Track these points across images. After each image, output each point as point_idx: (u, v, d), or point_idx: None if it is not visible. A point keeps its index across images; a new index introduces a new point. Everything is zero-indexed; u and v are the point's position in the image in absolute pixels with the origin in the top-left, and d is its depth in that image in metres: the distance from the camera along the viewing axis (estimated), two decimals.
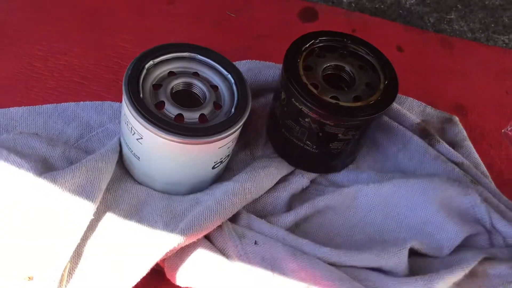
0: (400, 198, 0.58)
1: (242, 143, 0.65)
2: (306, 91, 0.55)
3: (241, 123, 0.53)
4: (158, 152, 0.53)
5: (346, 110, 0.55)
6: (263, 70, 0.67)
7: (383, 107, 0.56)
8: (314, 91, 0.56)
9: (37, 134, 0.59)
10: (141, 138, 0.52)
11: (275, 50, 0.75)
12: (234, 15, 0.82)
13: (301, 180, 0.61)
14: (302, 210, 0.56)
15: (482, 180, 0.64)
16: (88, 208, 0.51)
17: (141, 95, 0.52)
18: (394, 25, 0.88)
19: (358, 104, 0.56)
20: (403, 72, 0.62)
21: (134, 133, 0.52)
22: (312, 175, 0.63)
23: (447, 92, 0.78)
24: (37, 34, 0.71)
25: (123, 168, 0.59)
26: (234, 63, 0.70)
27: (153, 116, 0.50)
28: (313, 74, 0.58)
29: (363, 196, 0.59)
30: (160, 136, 0.50)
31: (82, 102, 0.65)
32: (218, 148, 0.53)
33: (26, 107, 0.62)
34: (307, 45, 0.60)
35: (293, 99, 0.56)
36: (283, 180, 0.61)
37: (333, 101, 0.55)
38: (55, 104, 0.64)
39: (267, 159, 0.61)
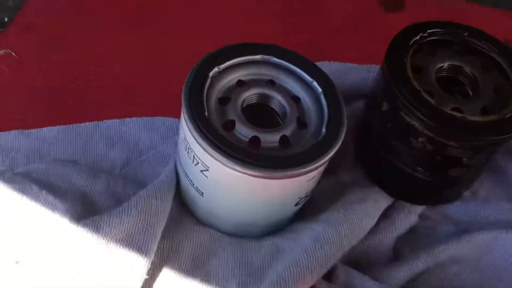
0: None
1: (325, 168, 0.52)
2: (420, 101, 0.41)
3: (336, 148, 0.40)
4: (229, 188, 0.40)
5: (477, 126, 0.41)
6: (349, 73, 0.53)
7: None
8: (431, 100, 0.42)
9: (75, 161, 0.48)
10: (207, 170, 0.39)
11: (353, 48, 0.62)
12: (301, 5, 0.69)
13: (408, 216, 0.47)
14: (419, 263, 0.42)
15: None
16: (140, 264, 0.39)
17: (207, 113, 0.39)
18: (498, 13, 0.72)
19: (491, 118, 0.42)
20: None
21: (198, 163, 0.40)
22: (419, 208, 0.49)
23: None
24: (75, 38, 0.60)
25: (180, 203, 0.47)
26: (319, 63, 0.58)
27: (223, 141, 0.37)
28: (424, 78, 0.44)
29: (500, 247, 0.44)
30: (233, 169, 0.37)
31: (128, 119, 0.53)
32: (306, 181, 0.40)
33: (61, 126, 0.51)
34: (415, 39, 0.46)
35: (401, 112, 0.42)
36: (383, 217, 0.47)
37: (458, 114, 0.41)
38: (96, 122, 0.52)
39: (362, 189, 0.47)
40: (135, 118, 0.53)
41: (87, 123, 0.52)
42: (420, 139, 0.42)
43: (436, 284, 0.44)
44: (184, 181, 0.44)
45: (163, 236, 0.42)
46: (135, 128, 0.52)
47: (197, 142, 0.38)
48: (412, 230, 0.48)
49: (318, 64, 0.57)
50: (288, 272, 0.38)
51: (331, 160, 0.52)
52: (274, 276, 0.38)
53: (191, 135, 0.38)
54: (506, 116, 0.42)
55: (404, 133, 0.43)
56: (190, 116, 0.38)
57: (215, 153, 0.37)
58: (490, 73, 0.46)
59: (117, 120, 0.52)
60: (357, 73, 0.53)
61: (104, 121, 0.52)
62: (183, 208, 0.47)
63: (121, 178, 0.47)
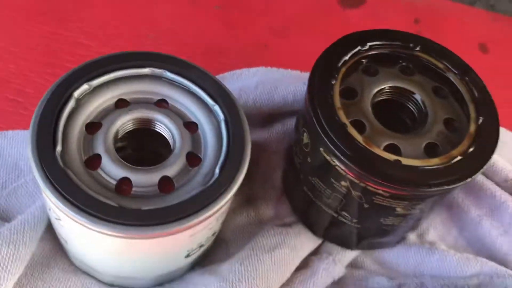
0: None
1: (244, 198, 0.43)
2: (344, 138, 0.32)
3: (228, 197, 0.31)
4: (89, 243, 0.32)
5: (414, 173, 0.32)
6: (281, 85, 0.44)
7: (476, 168, 0.32)
8: (358, 137, 0.33)
9: None
10: (59, 219, 0.31)
11: (303, 50, 0.52)
12: None
13: (332, 267, 0.39)
14: None
15: None
16: None
17: (59, 148, 0.30)
18: (476, 13, 0.62)
19: (435, 161, 0.33)
20: (489, 83, 0.38)
21: (50, 208, 0.31)
22: (350, 254, 0.41)
23: None
24: None
25: (56, 243, 0.38)
26: (240, 71, 0.49)
27: (72, 189, 0.29)
28: (357, 105, 0.35)
29: None
30: (84, 226, 0.29)
31: (10, 131, 0.44)
32: (189, 236, 0.31)
33: None
34: (350, 55, 0.36)
35: (321, 149, 0.33)
36: (303, 265, 0.39)
37: (392, 156, 0.32)
38: None
39: (279, 230, 0.39)
40: (19, 130, 0.44)
41: None
42: (343, 183, 0.34)
43: None
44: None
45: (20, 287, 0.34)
46: (17, 143, 0.43)
47: (41, 186, 0.29)
48: (338, 283, 0.39)
49: (252, 69, 0.49)
50: None
51: (253, 189, 0.44)
52: None
53: (36, 175, 0.29)
54: (453, 161, 0.33)
55: (326, 173, 0.35)
56: (34, 151, 0.29)
57: (60, 204, 0.28)
58: (445, 99, 0.37)
59: None
60: (291, 85, 0.44)
61: None
62: (59, 248, 0.38)
63: None
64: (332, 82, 0.35)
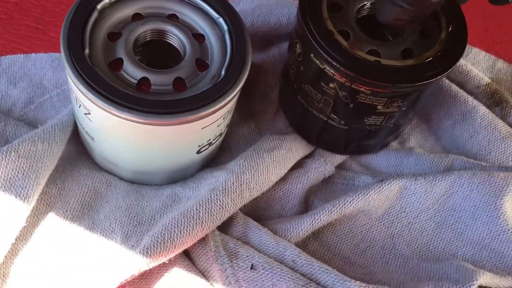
0: (461, 200, 0.41)
1: (245, 112, 0.49)
2: (331, 43, 0.37)
3: (233, 94, 0.36)
4: (114, 134, 0.37)
5: (391, 71, 0.37)
6: (276, 9, 0.49)
7: (446, 67, 0.37)
8: (344, 42, 0.38)
9: None
10: (89, 113, 0.36)
11: None
12: None
13: (323, 166, 0.44)
14: (323, 215, 0.40)
15: None
16: (18, 210, 0.36)
17: (87, 51, 0.35)
18: None
19: (409, 62, 0.38)
20: (463, 9, 0.43)
21: (80, 105, 0.36)
22: (339, 158, 0.46)
23: None
24: None
25: (80, 147, 0.44)
26: None
27: (101, 82, 0.34)
28: (343, 17, 0.40)
29: (409, 195, 0.42)
30: (112, 113, 0.34)
31: (34, 54, 0.49)
32: (201, 128, 0.37)
33: None
34: None
35: (312, 55, 0.38)
36: (298, 165, 0.45)
37: (372, 57, 0.38)
38: None
39: (277, 137, 0.44)
40: (41, 53, 0.49)
41: None
42: (331, 85, 0.39)
43: (342, 237, 0.42)
44: (77, 123, 0.41)
45: (51, 181, 0.40)
46: (41, 65, 0.48)
47: (73, 82, 0.34)
48: (328, 181, 0.45)
49: None
50: (175, 222, 0.36)
51: (252, 105, 0.49)
52: (160, 227, 0.36)
53: (69, 75, 0.34)
54: (426, 60, 0.38)
55: (316, 78, 0.39)
56: (67, 54, 0.34)
57: (91, 95, 0.33)
58: None
59: (21, 55, 0.48)
60: (286, 8, 0.49)
61: (7, 55, 0.48)
62: (84, 151, 0.44)
63: (14, 120, 0.43)
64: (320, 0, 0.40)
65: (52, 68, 0.48)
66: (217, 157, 0.46)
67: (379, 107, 0.39)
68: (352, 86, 0.37)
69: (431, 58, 0.38)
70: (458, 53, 0.38)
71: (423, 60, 0.38)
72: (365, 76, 0.36)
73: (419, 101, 0.41)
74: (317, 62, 0.38)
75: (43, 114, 0.46)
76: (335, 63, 0.37)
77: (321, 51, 0.37)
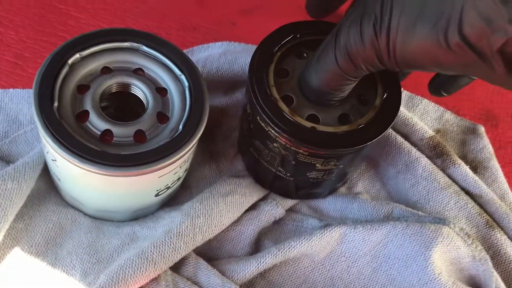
0: (395, 249, 0.45)
1: (207, 153, 0.52)
2: (273, 110, 0.41)
3: (188, 148, 0.40)
4: (78, 180, 0.40)
5: (323, 137, 0.41)
6: (241, 57, 0.52)
7: (376, 134, 0.41)
8: (285, 108, 0.41)
9: None
10: (55, 160, 0.39)
11: (265, 30, 0.60)
12: None
13: (274, 209, 0.48)
14: (268, 259, 0.43)
15: (504, 220, 0.50)
16: None
17: (56, 104, 0.38)
18: None
19: (344, 128, 0.41)
20: None
21: (48, 151, 0.40)
22: (290, 202, 0.50)
23: (474, 94, 0.62)
24: None
25: (51, 183, 0.47)
26: (207, 44, 0.57)
27: (66, 136, 0.37)
28: (288, 83, 0.43)
29: (348, 241, 0.46)
30: (75, 165, 0.37)
31: (12, 89, 0.52)
32: (158, 177, 0.40)
33: None
34: (284, 41, 0.44)
35: (257, 117, 0.42)
36: (251, 207, 0.48)
37: (309, 124, 0.41)
38: None
39: (233, 180, 0.48)
40: (19, 89, 0.52)
41: None
42: (275, 144, 0.42)
43: (286, 278, 0.46)
44: (47, 163, 0.44)
45: (19, 217, 0.43)
46: (18, 100, 0.51)
47: (42, 134, 0.38)
48: (279, 223, 0.49)
49: (218, 43, 0.57)
50: (129, 263, 0.40)
51: (214, 147, 0.53)
52: (116, 266, 0.39)
53: (38, 124, 0.38)
54: (359, 126, 0.41)
55: (263, 137, 0.43)
56: (37, 106, 0.38)
57: (57, 147, 0.37)
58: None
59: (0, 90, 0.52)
60: (248, 57, 0.52)
61: None
62: (52, 186, 0.47)
63: None
64: (269, 65, 0.43)
65: (28, 103, 0.51)
66: (177, 196, 0.50)
67: (317, 165, 0.43)
68: (292, 147, 0.41)
69: (363, 125, 0.41)
70: (389, 120, 0.42)
71: (356, 126, 0.41)
72: (302, 141, 0.40)
73: (356, 159, 0.45)
74: (262, 124, 0.42)
75: (17, 148, 0.49)
76: (276, 129, 0.41)
77: (264, 117, 0.41)
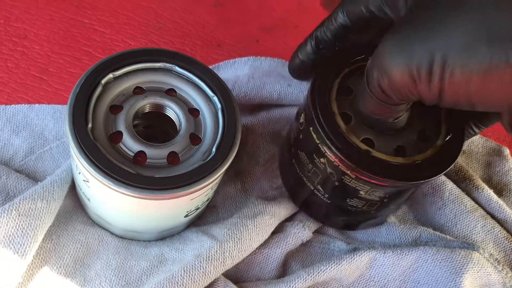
0: (425, 274, 0.45)
1: (232, 171, 0.52)
2: (330, 123, 0.40)
3: (221, 171, 0.39)
4: (109, 201, 0.40)
5: (377, 163, 0.39)
6: (269, 82, 0.52)
7: (432, 174, 0.39)
8: (342, 125, 0.40)
9: None
10: (88, 181, 0.39)
11: (289, 46, 0.60)
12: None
13: (301, 232, 0.47)
14: (298, 283, 0.43)
15: None
16: (15, 267, 0.39)
17: (90, 125, 0.38)
18: None
19: (398, 160, 0.40)
20: None
21: (80, 172, 0.39)
22: (316, 224, 0.50)
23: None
24: None
25: (77, 201, 0.47)
26: (234, 60, 0.57)
27: (101, 158, 0.37)
28: (350, 101, 0.42)
29: (378, 266, 0.45)
30: (109, 187, 0.37)
31: (37, 105, 0.52)
32: (190, 200, 0.40)
33: None
34: (355, 60, 0.43)
35: (311, 128, 0.41)
36: (277, 229, 0.48)
37: (364, 146, 0.40)
38: (4, 105, 0.51)
39: (262, 201, 0.47)
40: (44, 104, 0.52)
41: None
42: (322, 160, 0.41)
43: None
44: (75, 183, 0.44)
45: (47, 236, 0.43)
46: (43, 116, 0.51)
47: (76, 155, 0.37)
48: (305, 245, 0.48)
49: (244, 58, 0.57)
50: (160, 287, 0.39)
51: (239, 165, 0.53)
52: None
53: (71, 145, 0.37)
54: (416, 162, 0.40)
55: (311, 150, 0.42)
56: (71, 127, 0.37)
57: (91, 169, 0.36)
58: (423, 112, 0.42)
59: (25, 105, 0.51)
60: (276, 84, 0.52)
61: (12, 105, 0.51)
62: (79, 205, 0.47)
63: (15, 172, 0.46)
64: (334, 79, 0.42)
65: (54, 119, 0.51)
66: (203, 215, 0.49)
67: (361, 192, 0.41)
68: (340, 167, 0.40)
69: (419, 161, 0.40)
70: (446, 164, 0.40)
71: (412, 161, 0.40)
72: (352, 162, 0.39)
73: (401, 198, 0.43)
74: (314, 136, 0.41)
75: (42, 165, 0.48)
76: (328, 143, 0.39)
77: (318, 129, 0.40)
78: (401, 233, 0.48)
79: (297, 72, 0.48)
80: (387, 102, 0.36)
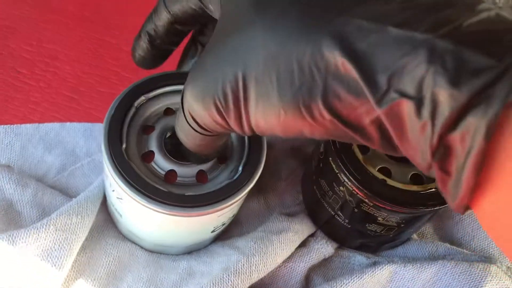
0: (444, 287, 0.46)
1: (255, 186, 0.53)
2: (348, 155, 0.42)
3: (248, 189, 0.41)
4: (141, 217, 0.42)
5: (393, 192, 0.41)
6: None
7: (441, 203, 0.41)
8: (360, 156, 0.42)
9: (9, 166, 0.49)
10: (121, 198, 0.41)
11: None
12: None
13: (324, 248, 0.49)
14: None
15: None
16: (53, 279, 0.41)
17: (124, 146, 0.40)
18: None
19: (413, 188, 0.42)
20: None
21: (114, 190, 0.41)
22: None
23: None
24: (27, 30, 0.60)
25: (107, 216, 0.49)
26: None
27: (135, 177, 0.39)
28: None
29: (398, 279, 0.47)
30: (142, 204, 0.39)
31: (68, 123, 0.54)
32: (217, 217, 0.42)
33: (2, 126, 0.52)
34: None
35: (330, 158, 0.43)
36: (301, 244, 0.49)
37: (381, 176, 0.42)
38: (37, 123, 0.53)
39: (286, 218, 0.49)
40: (75, 123, 0.54)
41: (29, 124, 0.53)
42: (341, 188, 0.43)
43: None
44: (107, 199, 0.46)
45: (82, 249, 0.45)
46: (74, 133, 0.53)
47: (111, 175, 0.39)
48: (326, 259, 0.50)
49: None
50: None
51: (262, 180, 0.54)
52: None
53: (107, 166, 0.40)
54: (429, 190, 0.41)
55: (330, 178, 0.44)
56: (106, 147, 0.39)
57: (126, 187, 0.38)
58: None
59: (57, 124, 0.54)
60: None
61: (45, 123, 0.53)
62: (109, 220, 0.49)
63: (50, 188, 0.48)
64: None
65: (84, 137, 0.53)
66: (227, 230, 0.51)
67: (379, 218, 0.43)
68: (358, 195, 0.42)
69: (434, 189, 0.41)
70: None
71: (428, 188, 0.41)
72: (369, 191, 0.41)
73: (418, 222, 0.45)
74: (333, 165, 0.43)
75: (74, 181, 0.51)
76: (347, 173, 0.42)
77: (337, 159, 0.42)
78: (419, 247, 0.50)
79: (145, 66, 0.43)
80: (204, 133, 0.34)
